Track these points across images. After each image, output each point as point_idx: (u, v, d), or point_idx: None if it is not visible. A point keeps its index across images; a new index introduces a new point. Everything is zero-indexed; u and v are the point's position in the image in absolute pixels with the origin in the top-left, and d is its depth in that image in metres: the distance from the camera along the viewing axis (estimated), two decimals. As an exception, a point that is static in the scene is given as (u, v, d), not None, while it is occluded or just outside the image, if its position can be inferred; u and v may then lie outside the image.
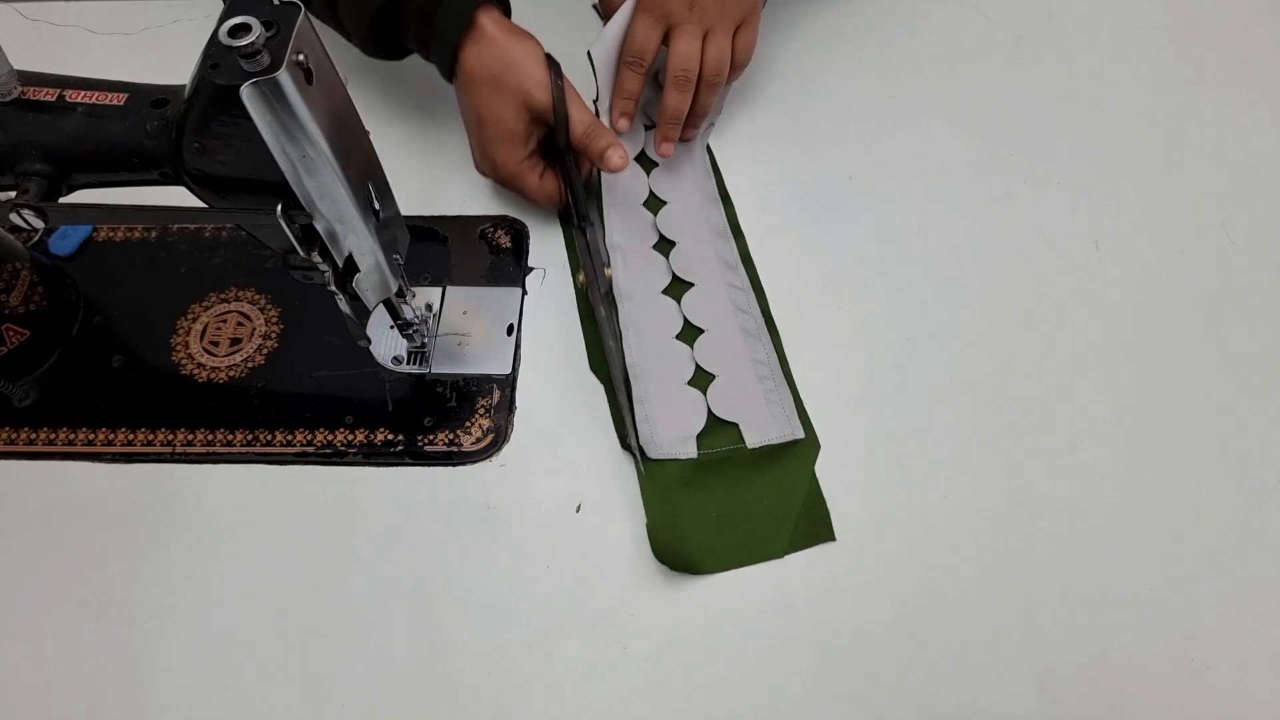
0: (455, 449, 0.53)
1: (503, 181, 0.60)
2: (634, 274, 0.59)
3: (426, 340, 0.56)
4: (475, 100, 0.56)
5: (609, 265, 0.58)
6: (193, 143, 0.40)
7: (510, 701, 0.46)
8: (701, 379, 0.55)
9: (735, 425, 0.53)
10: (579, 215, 0.59)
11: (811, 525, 0.50)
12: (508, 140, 0.57)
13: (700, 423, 0.53)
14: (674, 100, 0.59)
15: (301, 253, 0.43)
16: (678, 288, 0.58)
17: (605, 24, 0.62)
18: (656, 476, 0.51)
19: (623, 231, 0.60)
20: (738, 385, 0.54)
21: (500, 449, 0.53)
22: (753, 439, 0.52)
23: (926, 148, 0.65)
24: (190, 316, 0.58)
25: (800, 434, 0.52)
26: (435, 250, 0.61)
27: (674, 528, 0.49)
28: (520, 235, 0.62)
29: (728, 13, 0.57)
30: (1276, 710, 0.45)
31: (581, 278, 0.58)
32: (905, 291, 0.59)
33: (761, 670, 0.47)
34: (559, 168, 0.59)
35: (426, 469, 0.53)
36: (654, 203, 0.62)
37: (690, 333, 0.57)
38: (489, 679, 0.47)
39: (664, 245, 0.60)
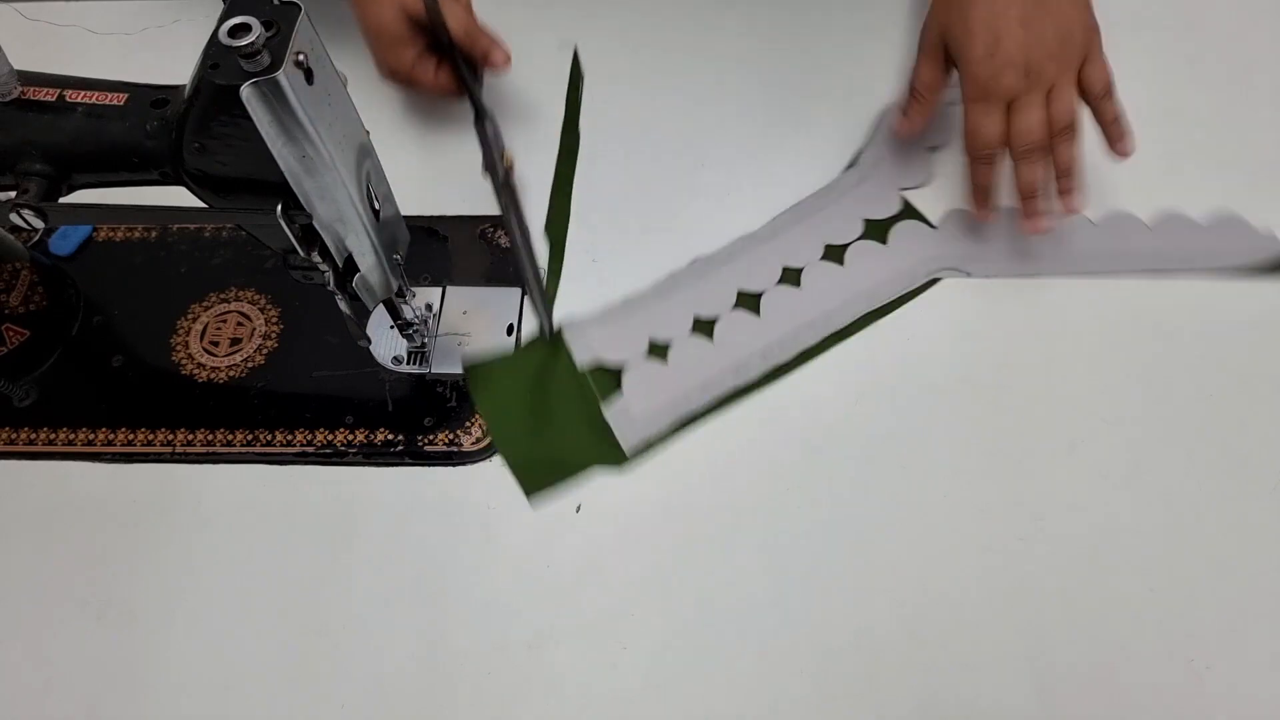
0: (455, 449, 0.53)
1: (402, 84, 0.62)
2: (748, 272, 0.58)
3: (426, 340, 0.56)
4: (359, 9, 0.58)
5: (508, 150, 0.57)
6: (193, 143, 0.40)
7: (510, 701, 0.46)
8: (658, 351, 0.55)
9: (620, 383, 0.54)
10: (475, 108, 0.58)
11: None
12: (393, 44, 0.59)
13: (621, 357, 0.55)
14: (1027, 173, 0.52)
15: (301, 253, 0.43)
16: (750, 301, 0.57)
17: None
18: (484, 386, 0.54)
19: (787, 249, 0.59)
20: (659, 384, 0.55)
21: (500, 449, 0.53)
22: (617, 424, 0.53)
23: (926, 148, 0.65)
24: (190, 316, 0.58)
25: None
26: (435, 250, 0.61)
27: (501, 388, 0.54)
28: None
29: (1067, 60, 0.51)
30: (1276, 710, 0.45)
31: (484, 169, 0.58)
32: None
33: (761, 670, 0.47)
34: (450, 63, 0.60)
35: (426, 469, 0.53)
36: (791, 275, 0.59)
37: (704, 327, 0.57)
38: (489, 679, 0.47)
39: (791, 275, 0.58)
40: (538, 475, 0.52)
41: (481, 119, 0.57)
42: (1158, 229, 0.59)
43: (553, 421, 0.53)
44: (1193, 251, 0.58)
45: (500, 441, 0.53)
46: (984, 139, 0.51)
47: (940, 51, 0.53)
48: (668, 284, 0.59)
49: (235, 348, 0.57)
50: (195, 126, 0.39)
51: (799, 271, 0.59)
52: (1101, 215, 0.60)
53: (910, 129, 0.56)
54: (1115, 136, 0.53)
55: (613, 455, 0.52)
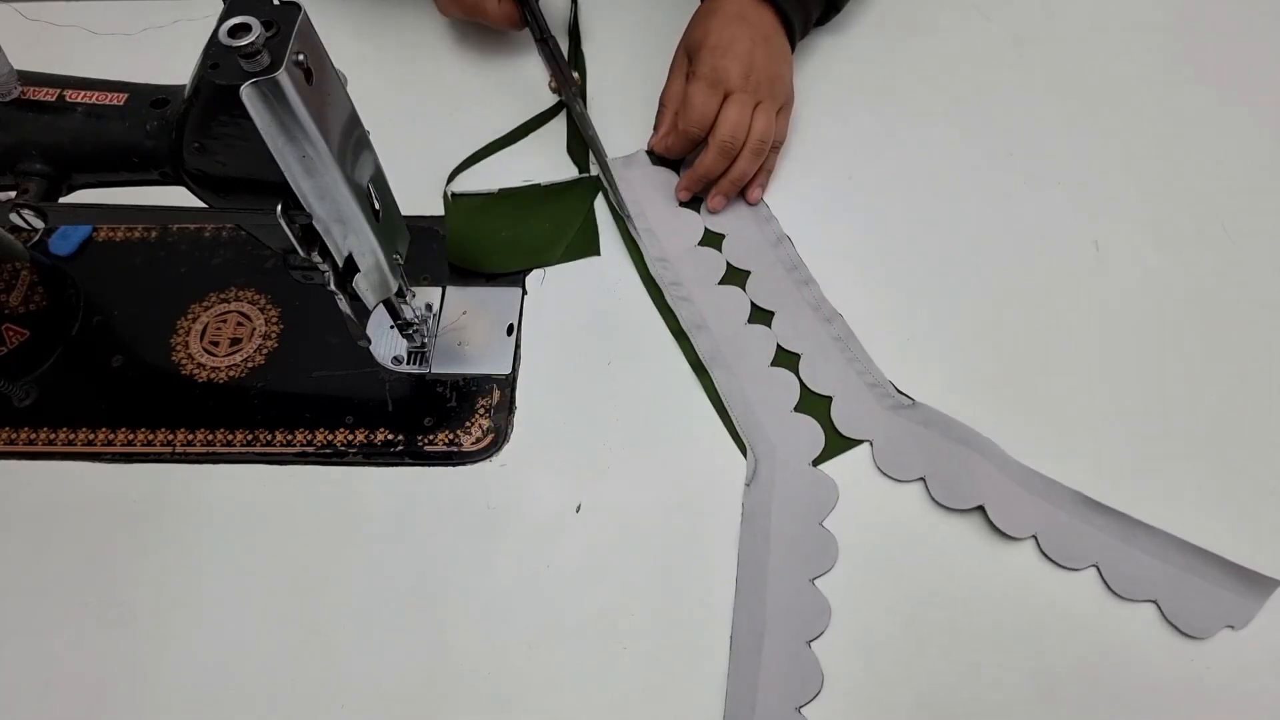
0: (455, 449, 0.53)
1: (466, 13, 0.65)
2: (708, 308, 0.58)
3: (426, 340, 0.56)
4: None
5: (577, 73, 0.65)
6: (193, 143, 0.40)
7: (510, 701, 0.46)
8: (787, 360, 0.56)
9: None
10: (539, 30, 0.64)
11: (584, 243, 0.61)
12: None
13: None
14: (712, 162, 0.59)
15: (301, 253, 0.43)
16: (760, 315, 0.57)
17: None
18: (461, 207, 0.61)
19: (688, 268, 0.59)
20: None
21: (500, 449, 0.53)
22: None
23: (926, 148, 0.65)
24: (190, 316, 0.58)
25: None
26: (435, 250, 0.61)
27: (473, 239, 0.60)
28: (520, 235, 0.62)
29: (775, 92, 0.60)
30: (1277, 710, 0.46)
31: (551, 83, 0.65)
32: (904, 292, 0.59)
33: (761, 670, 0.47)
34: None
35: (426, 469, 0.53)
36: (712, 237, 0.61)
37: (786, 358, 0.56)
38: (489, 679, 0.47)
39: (736, 276, 0.59)
40: (575, 248, 0.60)
41: (546, 41, 0.64)
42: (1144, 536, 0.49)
43: (532, 219, 0.60)
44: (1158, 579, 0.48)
45: (528, 262, 0.60)
46: (699, 114, 0.58)
47: (686, 66, 0.60)
48: (726, 382, 0.56)
49: (235, 348, 0.57)
50: (195, 126, 0.39)
51: (739, 271, 0.60)
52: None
53: (664, 143, 0.61)
54: (758, 182, 0.61)
55: (585, 189, 0.61)
